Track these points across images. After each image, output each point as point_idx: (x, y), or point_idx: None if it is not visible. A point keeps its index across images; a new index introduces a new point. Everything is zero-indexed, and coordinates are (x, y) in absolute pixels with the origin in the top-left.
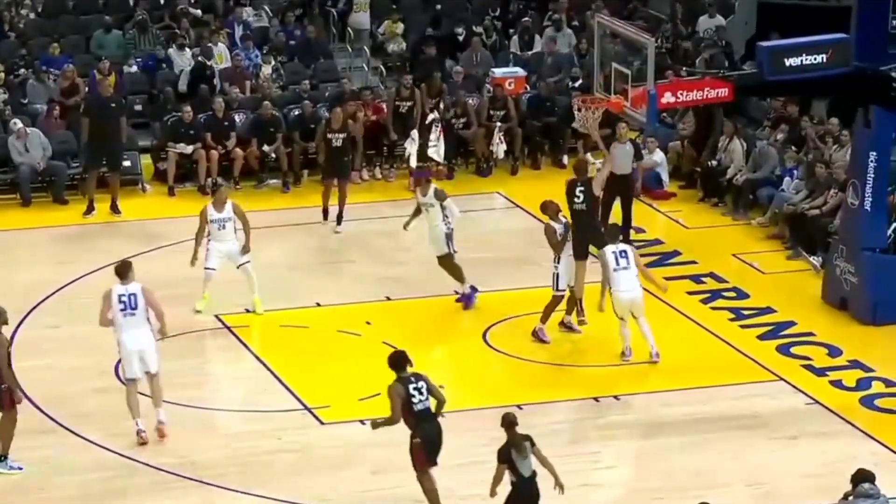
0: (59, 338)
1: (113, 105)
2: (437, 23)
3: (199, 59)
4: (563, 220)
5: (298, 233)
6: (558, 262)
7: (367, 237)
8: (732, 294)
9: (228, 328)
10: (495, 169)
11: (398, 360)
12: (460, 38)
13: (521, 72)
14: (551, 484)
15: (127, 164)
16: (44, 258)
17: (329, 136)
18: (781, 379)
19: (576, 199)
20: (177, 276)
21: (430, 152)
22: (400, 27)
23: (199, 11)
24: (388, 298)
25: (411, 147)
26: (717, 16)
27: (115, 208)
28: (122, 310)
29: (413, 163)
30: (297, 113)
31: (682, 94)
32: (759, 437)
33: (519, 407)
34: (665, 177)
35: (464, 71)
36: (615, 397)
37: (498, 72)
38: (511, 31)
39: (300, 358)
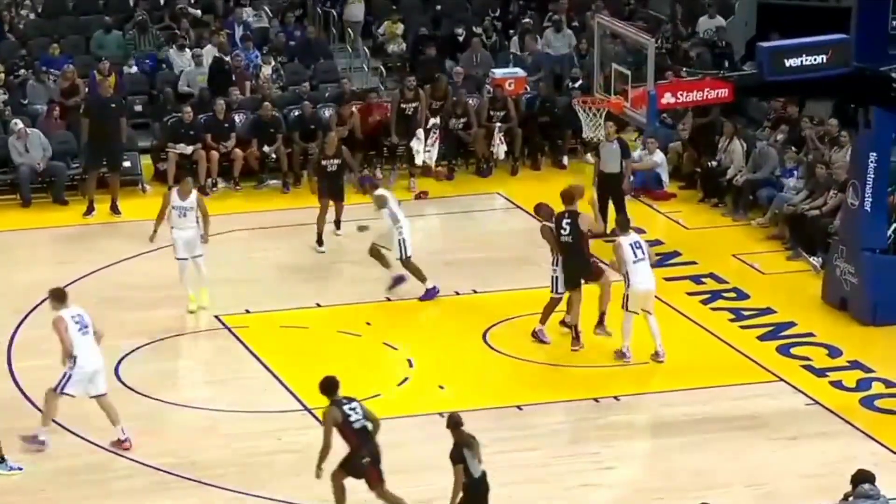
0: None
1: (113, 105)
2: (437, 23)
3: (217, 55)
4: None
5: (298, 233)
6: (556, 264)
7: (366, 237)
8: (732, 294)
9: (228, 328)
10: (495, 169)
11: (329, 385)
12: (460, 38)
13: (521, 72)
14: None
15: (127, 164)
16: (44, 258)
17: (323, 162)
18: (781, 379)
19: (563, 231)
20: (176, 276)
21: (425, 157)
22: (400, 27)
23: (198, 12)
24: (388, 299)
25: (418, 146)
26: (716, 16)
27: (115, 209)
28: (79, 330)
29: (420, 161)
30: (296, 114)
31: (681, 94)
32: (759, 438)
33: (519, 407)
34: (665, 177)
35: (464, 71)
36: (615, 398)
37: (498, 72)
38: (511, 31)
39: (300, 358)
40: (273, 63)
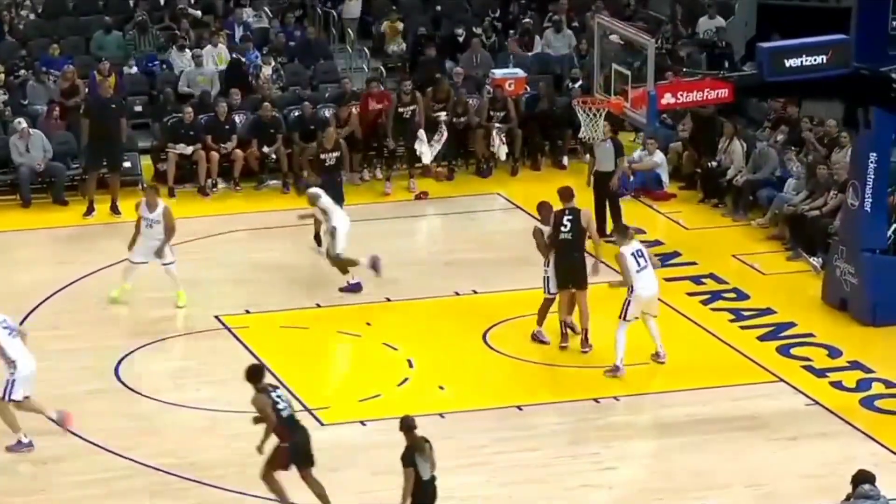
0: (59, 339)
1: (113, 106)
2: (437, 24)
3: (235, 56)
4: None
5: (298, 234)
6: (548, 265)
7: (367, 238)
8: (732, 295)
9: (228, 329)
10: (495, 170)
11: (255, 372)
12: (460, 39)
13: (520, 73)
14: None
15: (127, 164)
16: (44, 259)
17: (322, 155)
18: (781, 380)
19: (563, 229)
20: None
21: (424, 149)
22: (400, 25)
23: (199, 12)
24: (388, 299)
25: (421, 147)
26: (716, 17)
27: (115, 209)
28: (9, 334)
29: (427, 160)
30: (296, 114)
31: (681, 95)
32: (759, 438)
33: (519, 408)
34: (665, 178)
35: (464, 72)
36: (615, 398)
37: (498, 73)
38: (511, 32)
39: (300, 359)
40: (273, 63)
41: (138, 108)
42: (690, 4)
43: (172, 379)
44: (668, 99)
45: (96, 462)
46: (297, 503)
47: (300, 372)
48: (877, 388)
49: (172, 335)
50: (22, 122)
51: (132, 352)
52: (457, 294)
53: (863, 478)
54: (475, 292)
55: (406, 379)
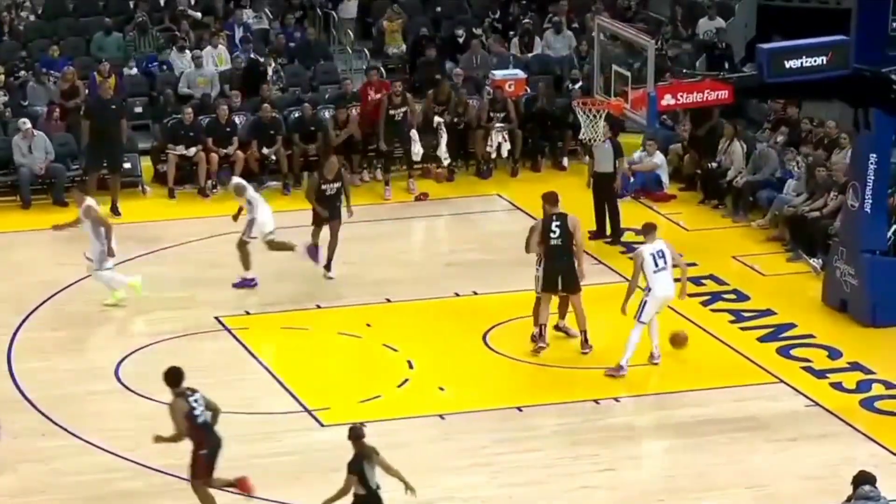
0: (60, 340)
1: (113, 107)
2: (437, 24)
3: (253, 56)
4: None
5: (298, 235)
6: (540, 265)
7: (367, 239)
8: (733, 296)
9: (228, 330)
10: (495, 171)
11: (174, 376)
12: (460, 40)
13: (521, 74)
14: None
15: (127, 166)
16: (44, 260)
17: (323, 186)
18: (781, 381)
19: (552, 235)
20: (176, 278)
21: (417, 149)
22: (399, 23)
23: (198, 14)
24: (389, 300)
25: (415, 147)
26: (716, 18)
27: (115, 210)
28: None
29: (418, 158)
30: (296, 115)
31: (681, 96)
32: (759, 440)
33: (519, 409)
34: (665, 179)
35: (463, 73)
36: (615, 399)
37: (498, 74)
38: (511, 33)
39: (300, 360)
40: (273, 65)
41: (138, 110)
42: (690, 5)
43: None
44: (667, 100)
45: (96, 463)
46: None
47: (300, 373)
48: (877, 389)
49: (173, 336)
50: (26, 123)
51: (132, 353)
52: (457, 295)
53: (863, 479)
54: (475, 293)
55: (406, 380)
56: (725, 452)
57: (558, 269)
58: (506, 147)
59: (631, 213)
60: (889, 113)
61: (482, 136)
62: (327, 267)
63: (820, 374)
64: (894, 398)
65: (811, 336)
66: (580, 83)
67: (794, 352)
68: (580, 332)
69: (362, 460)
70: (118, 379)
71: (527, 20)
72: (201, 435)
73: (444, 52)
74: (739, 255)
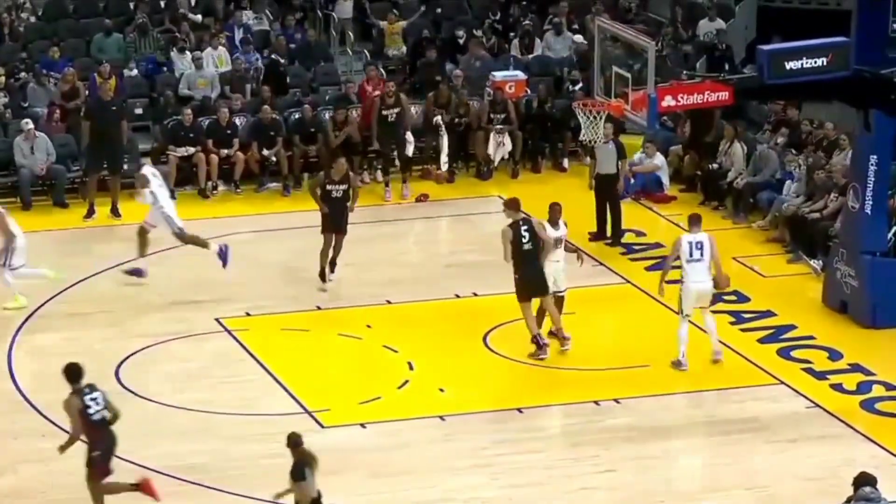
0: (60, 341)
1: (113, 108)
2: (437, 26)
3: (273, 56)
4: (564, 229)
5: (299, 236)
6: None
7: (367, 240)
8: (733, 297)
9: (228, 331)
10: (495, 172)
11: (73, 372)
12: (461, 41)
13: (521, 75)
14: None
15: (127, 167)
16: (44, 261)
17: (329, 187)
18: (782, 382)
19: (523, 240)
20: (176, 279)
21: (411, 150)
22: (401, 25)
23: (198, 17)
24: (389, 302)
25: (409, 148)
26: (717, 19)
27: (115, 212)
28: None
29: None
30: (297, 116)
31: (682, 97)
32: (759, 441)
33: (519, 410)
34: (665, 180)
35: (463, 74)
36: (615, 401)
37: (498, 75)
38: (511, 34)
39: (300, 361)
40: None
41: (138, 111)
42: (691, 7)
43: (173, 381)
44: (668, 101)
45: None
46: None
47: (300, 374)
48: (877, 390)
49: (173, 337)
50: (29, 123)
51: (133, 354)
52: (457, 296)
53: (864, 480)
54: (475, 295)
55: (406, 381)
56: (726, 454)
57: (534, 274)
58: (504, 150)
59: (631, 214)
60: (889, 114)
61: (482, 137)
62: (331, 268)
63: (820, 376)
64: (895, 399)
65: (811, 337)
66: (580, 84)
67: (794, 353)
68: (557, 330)
69: (304, 467)
70: (119, 380)
71: (527, 22)
72: (95, 433)
73: (443, 52)
74: (740, 256)
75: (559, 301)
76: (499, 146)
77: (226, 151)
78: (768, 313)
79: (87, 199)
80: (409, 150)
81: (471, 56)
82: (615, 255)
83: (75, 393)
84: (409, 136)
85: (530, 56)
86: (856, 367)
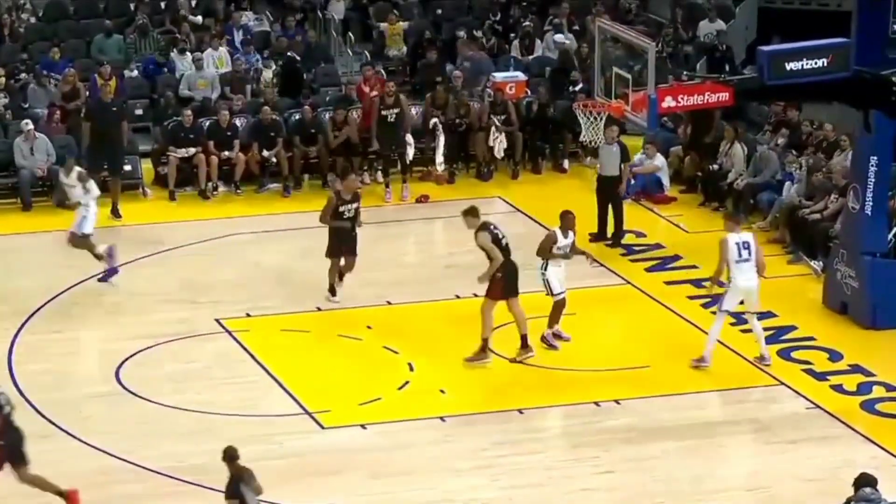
0: (60, 342)
1: (114, 109)
2: (437, 27)
3: (290, 54)
4: (572, 237)
5: (299, 237)
6: (545, 269)
7: (367, 241)
8: None
9: (229, 332)
10: (496, 173)
11: None
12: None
13: (521, 76)
14: None
15: (128, 168)
16: (44, 262)
17: (341, 207)
18: (782, 383)
19: (500, 237)
20: (177, 280)
21: (410, 152)
22: (401, 26)
23: (199, 18)
24: (389, 303)
25: (409, 150)
26: (717, 20)
27: (115, 212)
28: None
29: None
30: (297, 117)
31: (682, 98)
32: (759, 442)
33: (520, 411)
34: (666, 181)
35: (462, 75)
36: (616, 402)
37: (499, 76)
38: (511, 35)
39: (301, 362)
40: (274, 67)
41: (139, 112)
42: (691, 8)
43: (173, 382)
44: (668, 102)
45: (97, 465)
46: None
47: (301, 375)
48: (877, 391)
49: (173, 338)
50: (29, 124)
51: (133, 355)
52: (457, 297)
53: (864, 481)
54: (476, 295)
55: (407, 382)
56: (726, 455)
57: (514, 274)
58: (501, 147)
59: (631, 215)
60: (889, 115)
61: (483, 138)
62: (332, 292)
63: (820, 377)
64: (895, 400)
65: (812, 338)
66: (580, 85)
67: (794, 354)
68: (521, 337)
69: (239, 482)
70: (119, 381)
71: (527, 22)
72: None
73: (444, 54)
74: None
75: (560, 305)
76: (496, 139)
77: (226, 154)
78: (769, 314)
79: None
80: (410, 153)
81: (460, 58)
82: (615, 256)
83: None
84: (410, 138)
85: (530, 57)
86: (856, 368)
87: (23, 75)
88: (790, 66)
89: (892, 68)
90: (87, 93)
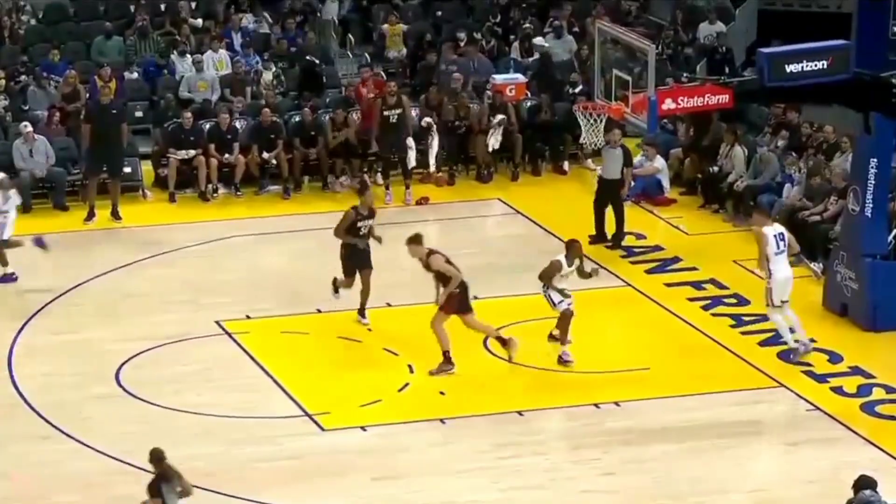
0: (60, 344)
1: (114, 111)
2: (437, 28)
3: (308, 58)
4: (577, 264)
5: (299, 239)
6: (546, 287)
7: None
8: (733, 300)
9: (229, 334)
10: (496, 175)
11: None
12: (461, 44)
13: (521, 78)
14: None
15: (128, 170)
16: (44, 264)
17: (359, 223)
18: (782, 385)
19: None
20: (177, 282)
21: (411, 154)
22: (402, 28)
23: (199, 21)
24: (389, 304)
25: (410, 153)
26: (717, 22)
27: (115, 214)
28: None
29: (412, 163)
30: (297, 119)
31: (682, 100)
32: (759, 444)
33: (520, 413)
34: (666, 183)
35: (461, 76)
36: (616, 403)
37: (499, 78)
38: (511, 37)
39: (301, 364)
40: (274, 69)
41: (139, 114)
42: (691, 10)
43: (173, 384)
44: (668, 104)
45: (97, 467)
46: None
47: (301, 377)
48: (877, 393)
49: (173, 340)
50: (28, 126)
51: (133, 356)
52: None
53: (864, 483)
54: (476, 298)
55: (407, 384)
56: (726, 456)
57: (467, 290)
58: (497, 140)
59: (631, 217)
60: (890, 117)
61: (482, 140)
62: (361, 313)
63: (820, 379)
64: (895, 402)
65: (812, 340)
66: (580, 87)
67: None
68: (498, 338)
69: (161, 483)
70: (119, 383)
71: (527, 24)
72: None
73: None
74: (740, 259)
75: (567, 316)
76: (492, 134)
77: (227, 157)
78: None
79: (87, 201)
80: (412, 157)
81: (444, 61)
82: (615, 258)
83: None
84: (411, 141)
85: (530, 59)
86: (856, 370)
87: (23, 77)
88: (790, 68)
89: (893, 70)
90: (87, 95)
